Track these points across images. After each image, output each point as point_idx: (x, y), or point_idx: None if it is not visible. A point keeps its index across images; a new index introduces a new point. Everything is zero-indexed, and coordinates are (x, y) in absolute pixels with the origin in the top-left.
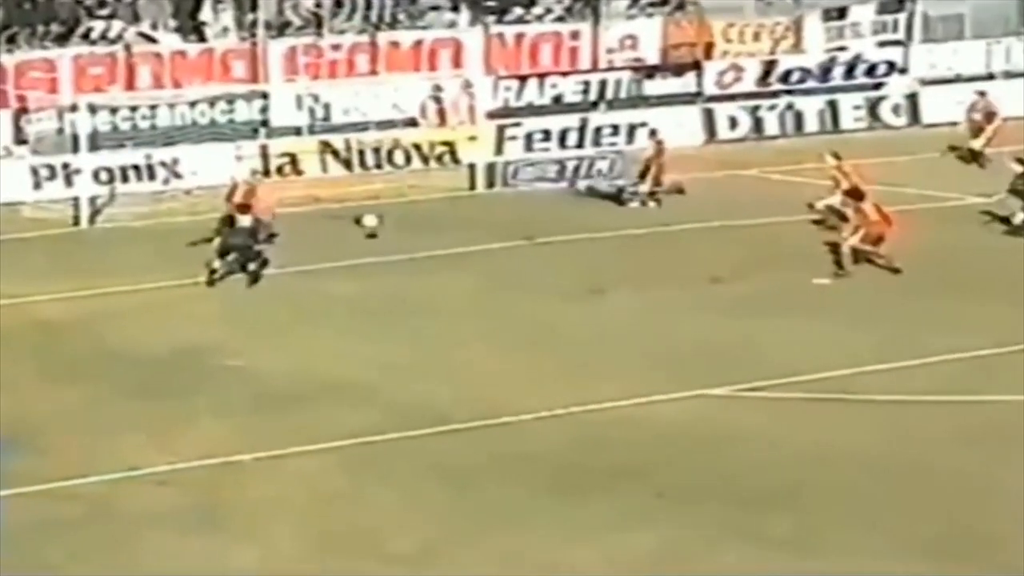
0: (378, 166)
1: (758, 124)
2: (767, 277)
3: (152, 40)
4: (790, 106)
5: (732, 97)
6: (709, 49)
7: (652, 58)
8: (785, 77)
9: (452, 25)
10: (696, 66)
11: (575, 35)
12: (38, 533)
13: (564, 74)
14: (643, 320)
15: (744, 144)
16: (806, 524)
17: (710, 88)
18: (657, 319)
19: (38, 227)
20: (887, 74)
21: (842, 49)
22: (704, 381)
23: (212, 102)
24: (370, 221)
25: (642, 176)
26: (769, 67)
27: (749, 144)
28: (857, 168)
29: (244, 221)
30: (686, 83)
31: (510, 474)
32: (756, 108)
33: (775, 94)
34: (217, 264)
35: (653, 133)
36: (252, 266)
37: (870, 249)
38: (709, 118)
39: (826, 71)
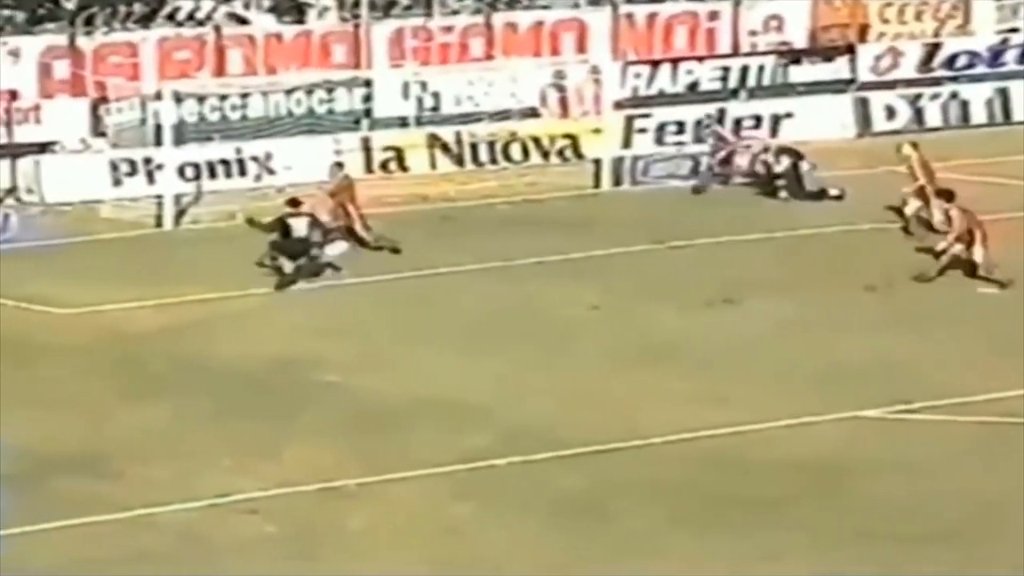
0: (493, 161)
1: (919, 115)
2: (927, 286)
3: (244, 21)
4: (955, 95)
5: (890, 84)
6: (864, 31)
7: (800, 41)
8: (950, 62)
9: (576, 5)
10: (849, 50)
11: (713, 15)
12: (115, 566)
13: (701, 59)
14: (786, 333)
15: (902, 137)
16: (972, 566)
17: (865, 75)
18: (802, 332)
19: (117, 228)
20: None
21: (1015, 31)
22: (856, 402)
23: (310, 90)
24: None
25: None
26: (932, 51)
27: (908, 137)
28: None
29: (299, 228)
30: (838, 69)
31: (633, 503)
32: (917, 97)
33: (938, 81)
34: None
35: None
36: (289, 267)
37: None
38: (863, 108)
39: (997, 55)
